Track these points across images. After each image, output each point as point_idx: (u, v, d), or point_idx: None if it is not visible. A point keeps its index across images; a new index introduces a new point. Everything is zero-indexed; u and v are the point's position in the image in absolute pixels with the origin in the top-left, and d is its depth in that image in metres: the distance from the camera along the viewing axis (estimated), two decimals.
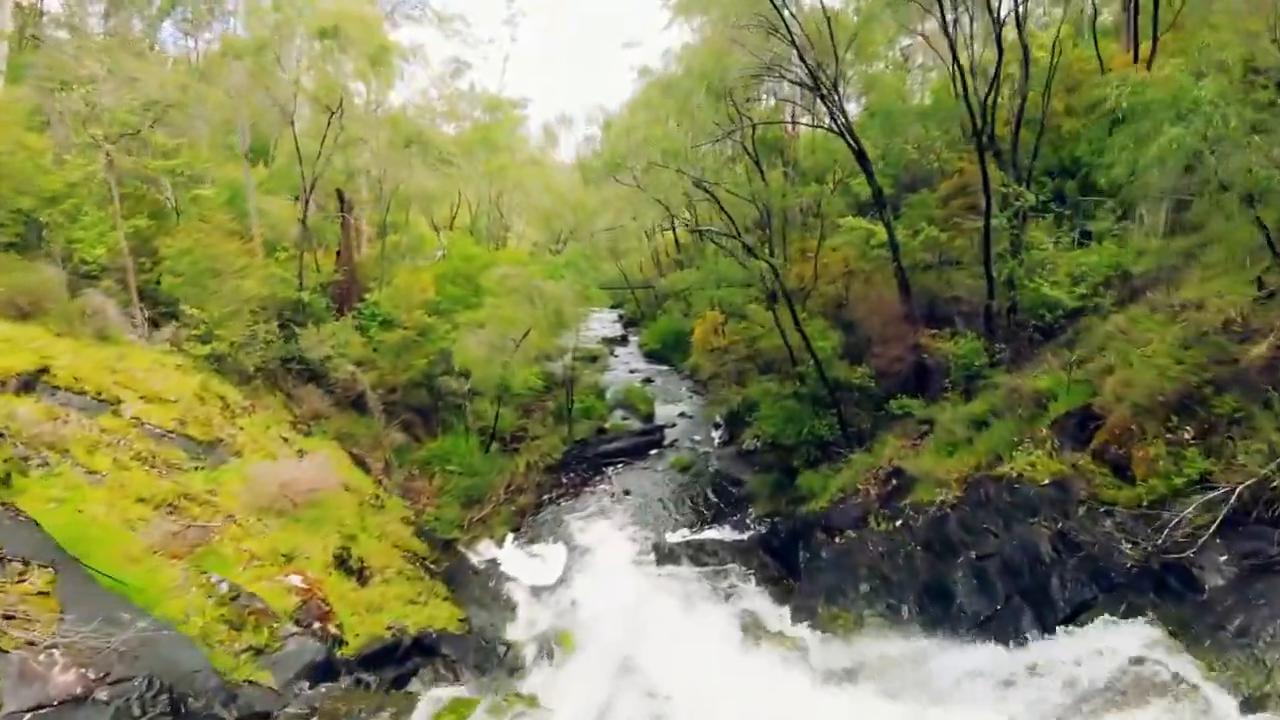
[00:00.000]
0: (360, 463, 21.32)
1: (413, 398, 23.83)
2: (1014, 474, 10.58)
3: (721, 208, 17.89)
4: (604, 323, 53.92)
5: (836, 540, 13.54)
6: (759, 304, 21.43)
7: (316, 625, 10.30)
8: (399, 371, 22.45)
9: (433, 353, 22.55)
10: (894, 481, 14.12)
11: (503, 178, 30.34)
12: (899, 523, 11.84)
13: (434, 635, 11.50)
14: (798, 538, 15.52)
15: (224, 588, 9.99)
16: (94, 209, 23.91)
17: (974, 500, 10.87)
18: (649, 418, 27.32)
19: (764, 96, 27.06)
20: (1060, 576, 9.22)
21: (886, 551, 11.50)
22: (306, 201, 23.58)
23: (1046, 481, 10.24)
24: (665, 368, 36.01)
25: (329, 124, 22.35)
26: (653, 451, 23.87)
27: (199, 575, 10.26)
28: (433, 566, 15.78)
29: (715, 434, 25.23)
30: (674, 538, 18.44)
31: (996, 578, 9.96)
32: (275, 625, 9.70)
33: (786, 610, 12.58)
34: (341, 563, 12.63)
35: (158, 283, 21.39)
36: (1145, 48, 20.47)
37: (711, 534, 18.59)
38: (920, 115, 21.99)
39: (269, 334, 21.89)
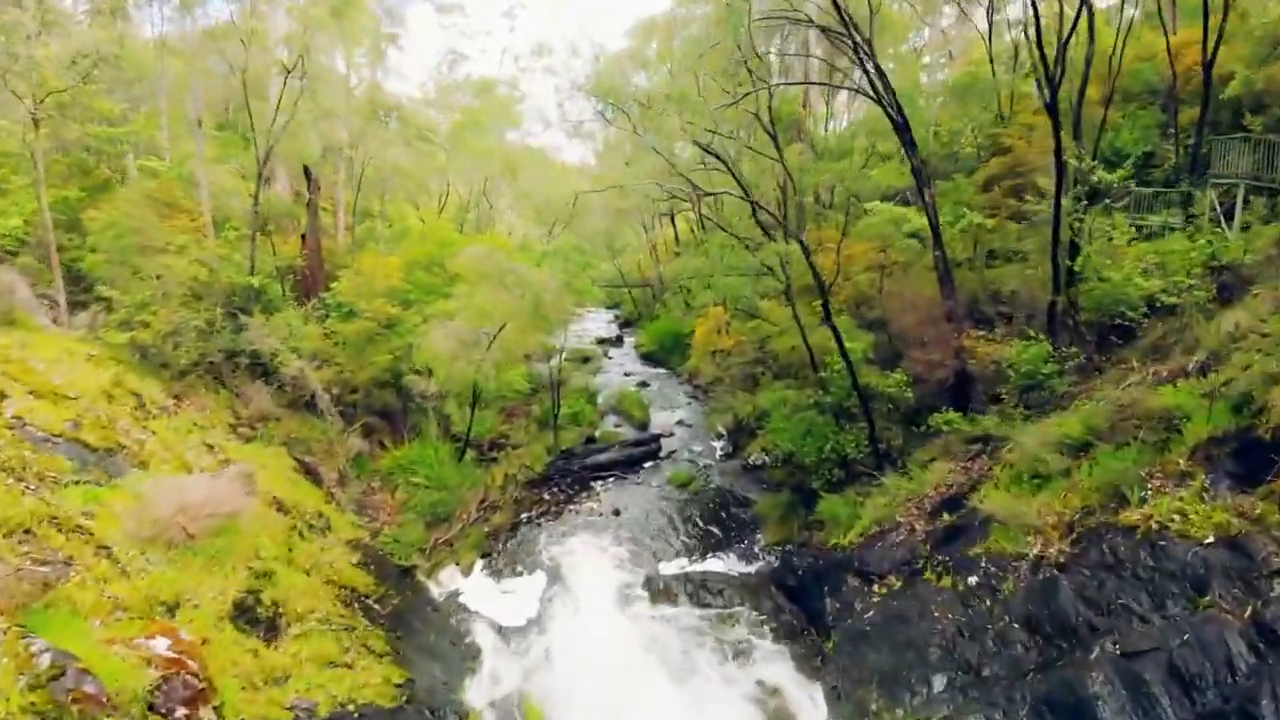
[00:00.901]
0: (311, 473, 18.57)
1: (378, 399, 21.03)
2: (1153, 524, 7.66)
3: (735, 175, 15.10)
4: (599, 323, 51.32)
5: (876, 590, 10.82)
6: (773, 299, 18.73)
7: (181, 713, 7.48)
8: (360, 369, 19.65)
9: (400, 348, 19.77)
10: (946, 516, 11.39)
11: (490, 162, 27.66)
12: (973, 580, 9.02)
13: (354, 716, 8.69)
14: (820, 578, 12.79)
15: (44, 660, 7.12)
16: (24, 177, 21.24)
17: (1094, 560, 7.81)
18: (644, 426, 24.58)
19: (782, 73, 24.42)
20: (1276, 694, 5.92)
21: (965, 624, 8.59)
22: (260, 175, 20.78)
23: (1211, 539, 7.21)
24: (662, 371, 33.34)
25: (284, 84, 19.56)
26: (647, 464, 21.11)
27: (17, 640, 7.40)
28: (376, 606, 12.98)
29: (717, 445, 22.49)
30: (670, 568, 15.69)
31: (1164, 691, 6.61)
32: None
33: (818, 692, 9.76)
34: (244, 612, 9.84)
35: None
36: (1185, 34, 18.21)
37: (714, 565, 15.84)
38: (960, 90, 19.34)
39: (212, 322, 19.16)
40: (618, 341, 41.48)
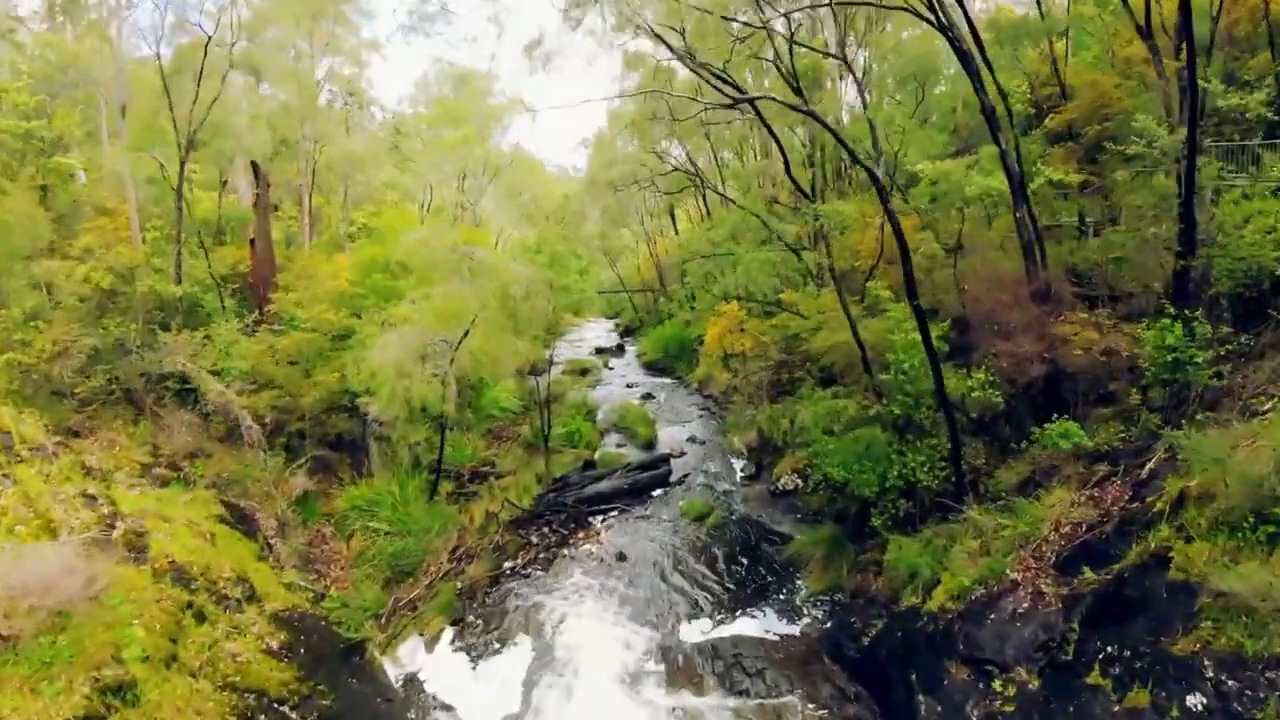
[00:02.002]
0: (245, 521, 15.23)
1: (331, 427, 17.60)
2: None
3: (764, 121, 11.77)
4: (598, 331, 48.06)
5: (1000, 689, 7.37)
6: (801, 290, 15.36)
7: None
8: (305, 391, 16.27)
9: (351, 364, 16.40)
10: (1089, 573, 7.97)
11: (468, 155, 24.58)
12: (1197, 700, 5.49)
13: None
14: (901, 658, 9.34)
15: None
16: None
17: None
18: (650, 445, 21.16)
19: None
20: None
21: None
22: (183, 165, 17.55)
23: None
24: (669, 380, 29.98)
25: (205, 53, 16.39)
26: (656, 492, 17.66)
27: None
28: (294, 716, 9.52)
29: (738, 466, 19.03)
30: (691, 634, 12.23)
31: None
32: None
33: None
34: None
35: None
36: None
37: (747, 626, 12.37)
38: (1014, 30, 16.05)
39: (123, 340, 15.92)
40: (619, 350, 38.19)
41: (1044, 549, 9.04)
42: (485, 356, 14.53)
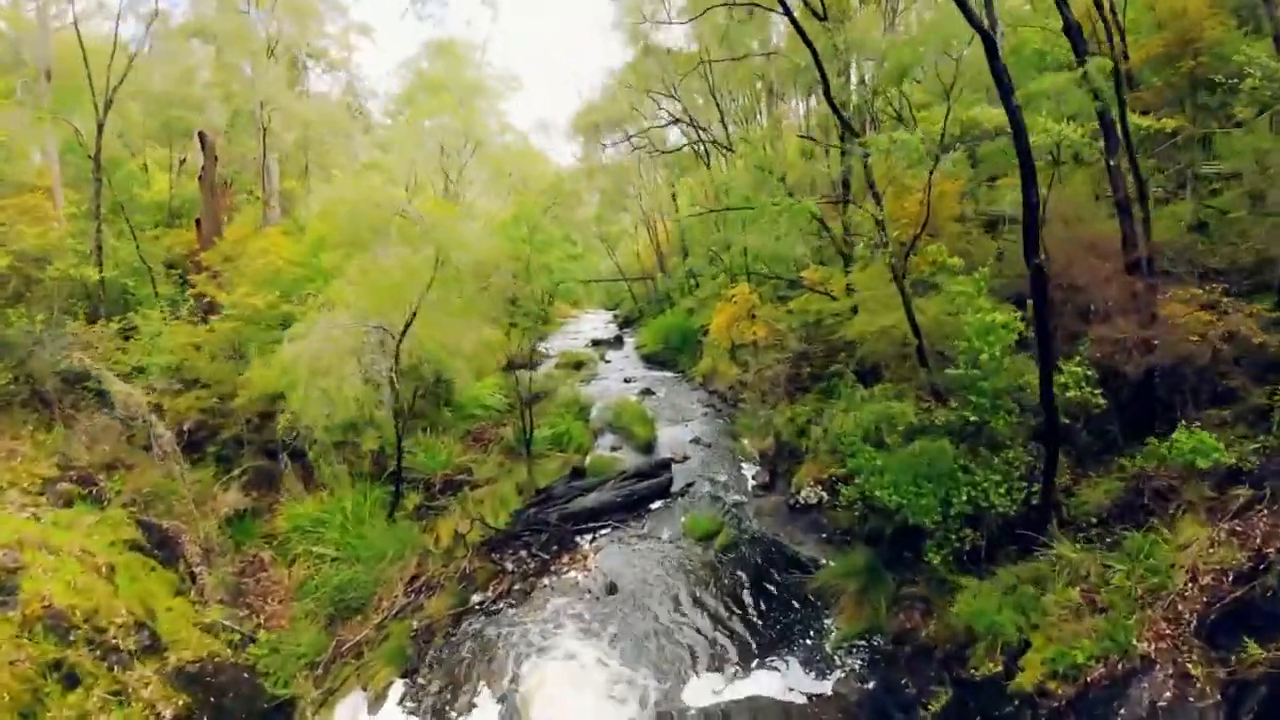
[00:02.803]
0: (166, 545, 12.95)
1: (274, 432, 15.17)
2: None
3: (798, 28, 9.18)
4: (595, 323, 45.56)
5: None
6: (829, 268, 12.85)
7: None
8: (238, 389, 13.82)
9: None
10: (1254, 648, 5.49)
11: (445, 126, 22.06)
12: None
13: None
14: None
15: None
16: None
17: None
18: (649, 447, 18.70)
19: None
20: None
21: None
22: (100, 129, 15.04)
23: None
24: (669, 374, 27.50)
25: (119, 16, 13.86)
26: (655, 505, 15.21)
27: None
28: None
29: (749, 473, 16.55)
30: (698, 693, 9.82)
31: None
32: None
33: None
34: None
35: None
36: None
37: (767, 683, 9.94)
38: None
39: (32, 333, 13.56)
40: (616, 342, 35.68)
41: (1181, 608, 6.57)
42: (437, 347, 12.01)
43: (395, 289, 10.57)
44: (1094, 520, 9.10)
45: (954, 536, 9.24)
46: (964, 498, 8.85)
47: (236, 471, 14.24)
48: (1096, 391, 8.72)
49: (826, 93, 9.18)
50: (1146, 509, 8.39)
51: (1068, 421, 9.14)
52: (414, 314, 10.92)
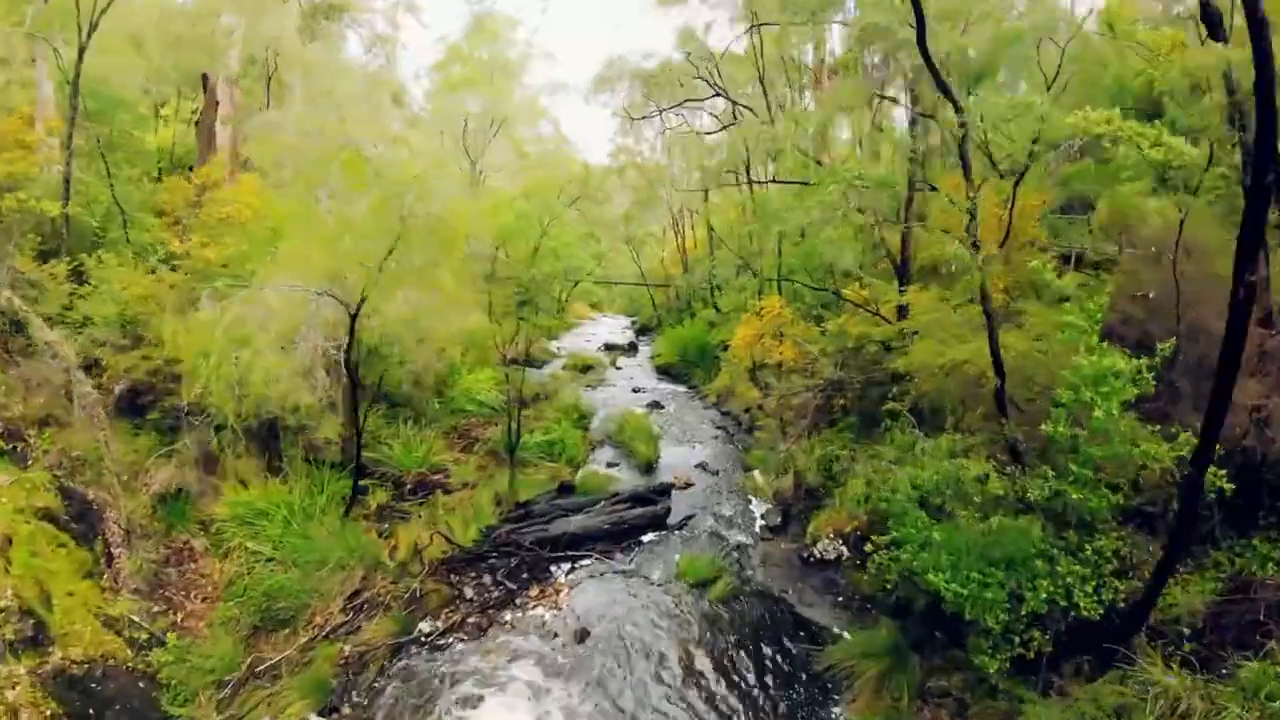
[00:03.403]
0: (85, 518, 11.33)
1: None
2: None
3: None
4: (612, 327, 43.84)
5: None
6: (876, 284, 10.90)
7: None
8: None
9: None
10: None
11: (470, 98, 20.54)
12: None
13: None
14: None
15: None
16: None
17: None
18: (649, 467, 16.81)
19: None
20: None
21: None
22: (81, 53, 13.57)
23: None
24: (682, 388, 25.62)
25: None
26: (648, 536, 13.27)
27: None
28: None
29: (757, 509, 14.56)
30: None
31: None
32: None
33: None
34: None
35: None
36: None
37: None
38: None
39: None
40: (630, 349, 33.89)
41: None
42: (404, 329, 10.22)
43: (339, 248, 8.79)
44: (1187, 632, 7.06)
45: (1018, 639, 7.18)
46: (1043, 595, 6.80)
47: (179, 444, 12.54)
48: (1221, 472, 6.67)
49: (921, 42, 7.28)
50: (1261, 627, 6.33)
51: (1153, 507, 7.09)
52: (373, 284, 9.14)
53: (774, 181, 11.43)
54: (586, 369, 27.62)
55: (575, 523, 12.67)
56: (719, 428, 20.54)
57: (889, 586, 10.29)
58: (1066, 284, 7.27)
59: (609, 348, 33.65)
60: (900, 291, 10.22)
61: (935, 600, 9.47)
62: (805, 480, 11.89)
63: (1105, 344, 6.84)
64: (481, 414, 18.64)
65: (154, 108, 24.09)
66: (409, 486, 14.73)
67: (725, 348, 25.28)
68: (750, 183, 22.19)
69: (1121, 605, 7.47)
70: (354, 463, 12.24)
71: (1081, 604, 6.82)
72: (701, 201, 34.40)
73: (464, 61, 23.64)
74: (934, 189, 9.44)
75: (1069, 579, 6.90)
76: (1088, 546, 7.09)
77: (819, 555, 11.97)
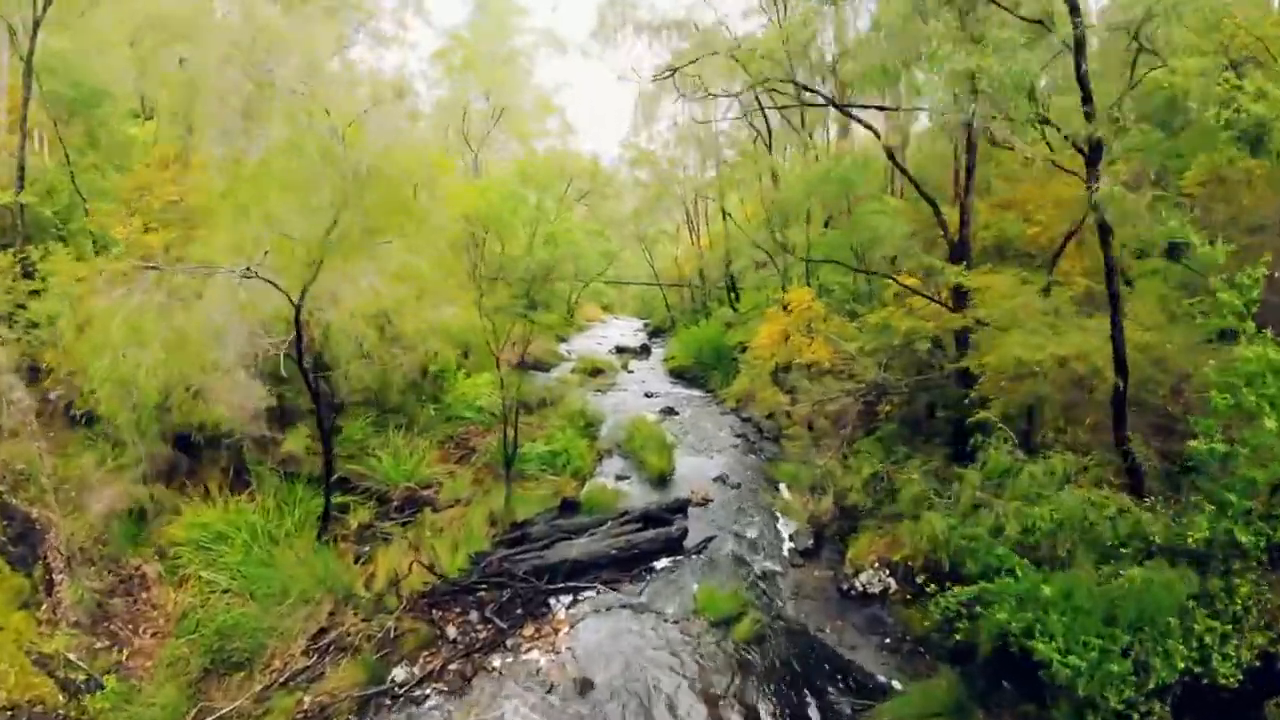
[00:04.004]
0: (28, 540, 10.19)
1: (194, 413, 12.04)
2: None
3: None
4: (624, 329, 42.27)
5: None
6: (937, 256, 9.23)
7: None
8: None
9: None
10: None
11: (469, 83, 19.17)
12: None
13: None
14: None
15: None
16: None
17: None
18: (663, 481, 15.19)
19: None
20: None
21: None
22: (36, 26, 12.27)
23: None
24: (698, 393, 23.97)
25: None
26: (661, 562, 11.63)
27: None
28: None
29: (785, 530, 12.89)
30: None
31: None
32: None
33: None
34: None
35: None
36: None
37: None
38: None
39: None
40: (643, 352, 32.28)
41: None
42: (365, 324, 8.64)
43: (266, 213, 7.26)
44: None
45: (1137, 717, 5.46)
46: (1178, 664, 5.11)
47: (130, 457, 11.12)
48: None
49: None
50: None
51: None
52: (317, 266, 7.58)
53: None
54: (596, 372, 26.07)
55: (578, 547, 11.07)
56: (738, 436, 18.89)
57: (947, 626, 8.69)
58: (1218, 253, 5.60)
59: (620, 350, 32.09)
60: (964, 270, 8.48)
61: (1002, 643, 7.84)
62: (848, 500, 10.20)
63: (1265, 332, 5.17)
64: (481, 421, 17.12)
65: (142, 99, 22.96)
66: (395, 503, 13.24)
67: (743, 349, 23.63)
68: (774, 176, 20.50)
69: (1257, 664, 5.78)
70: (324, 480, 10.71)
71: (1220, 670, 5.12)
72: (717, 196, 32.90)
73: (464, 46, 22.27)
74: (1008, 147, 7.78)
75: (1207, 639, 5.21)
76: (1232, 596, 5.39)
77: (862, 588, 10.29)
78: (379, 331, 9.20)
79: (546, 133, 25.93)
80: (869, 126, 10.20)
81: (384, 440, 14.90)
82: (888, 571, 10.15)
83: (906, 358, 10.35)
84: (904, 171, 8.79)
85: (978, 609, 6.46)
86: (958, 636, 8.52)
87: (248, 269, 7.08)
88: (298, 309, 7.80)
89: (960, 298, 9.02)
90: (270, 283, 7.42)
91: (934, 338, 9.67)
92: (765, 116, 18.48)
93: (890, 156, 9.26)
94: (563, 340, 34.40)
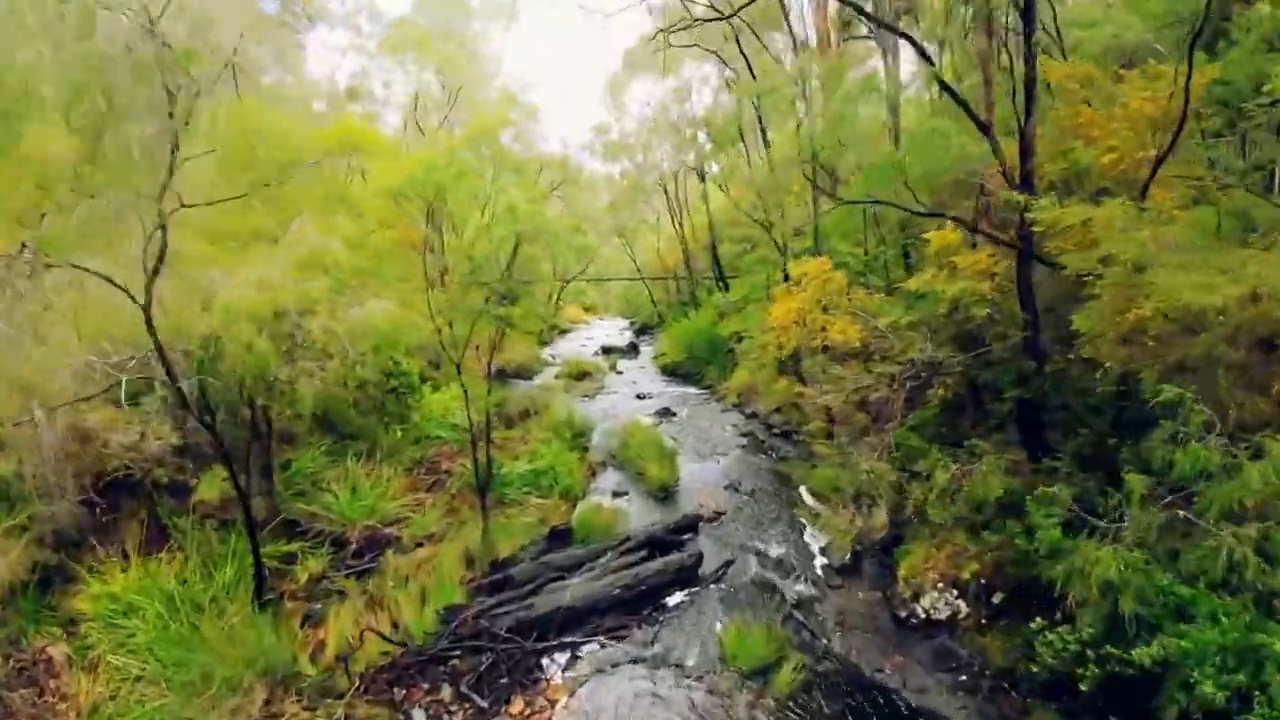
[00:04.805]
0: None
1: (93, 456, 9.93)
2: None
3: None
4: (609, 329, 40.33)
5: None
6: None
7: None
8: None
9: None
10: None
11: (413, 58, 17.13)
12: None
13: None
14: None
15: None
16: None
17: None
18: (666, 493, 13.25)
19: None
20: None
21: None
22: None
23: None
24: (694, 390, 22.16)
25: None
26: (673, 598, 9.67)
27: None
28: None
29: (814, 542, 11.02)
30: None
31: None
32: None
33: None
34: None
35: None
36: None
37: None
38: None
39: None
40: (631, 350, 30.41)
41: None
42: (253, 333, 6.55)
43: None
44: None
45: None
46: None
47: (24, 515, 9.00)
48: None
49: None
50: None
51: None
52: (162, 236, 5.46)
53: None
54: (583, 376, 24.15)
55: (573, 589, 9.08)
56: (744, 434, 17.03)
57: (1028, 649, 6.95)
58: None
59: (607, 351, 30.20)
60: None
61: (1110, 673, 6.12)
62: (905, 511, 8.29)
63: None
64: (455, 440, 15.07)
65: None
66: (354, 546, 11.20)
67: (739, 339, 21.83)
68: (764, 139, 18.57)
69: None
70: (248, 532, 8.64)
71: None
72: (699, 181, 31.04)
73: (410, 28, 20.21)
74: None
75: None
76: None
77: (924, 613, 8.40)
78: (288, 339, 7.15)
79: (511, 120, 23.84)
80: (909, 39, 8.32)
81: (341, 471, 12.86)
82: (955, 592, 8.28)
83: (951, 329, 8.53)
84: (951, 92, 6.93)
85: (1194, 685, 4.60)
86: (1050, 665, 6.76)
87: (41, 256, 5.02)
88: (146, 307, 5.68)
89: (1028, 244, 7.18)
90: (85, 270, 5.31)
91: (992, 301, 7.85)
92: (752, 69, 16.57)
93: (938, 81, 7.44)
94: (546, 344, 32.43)
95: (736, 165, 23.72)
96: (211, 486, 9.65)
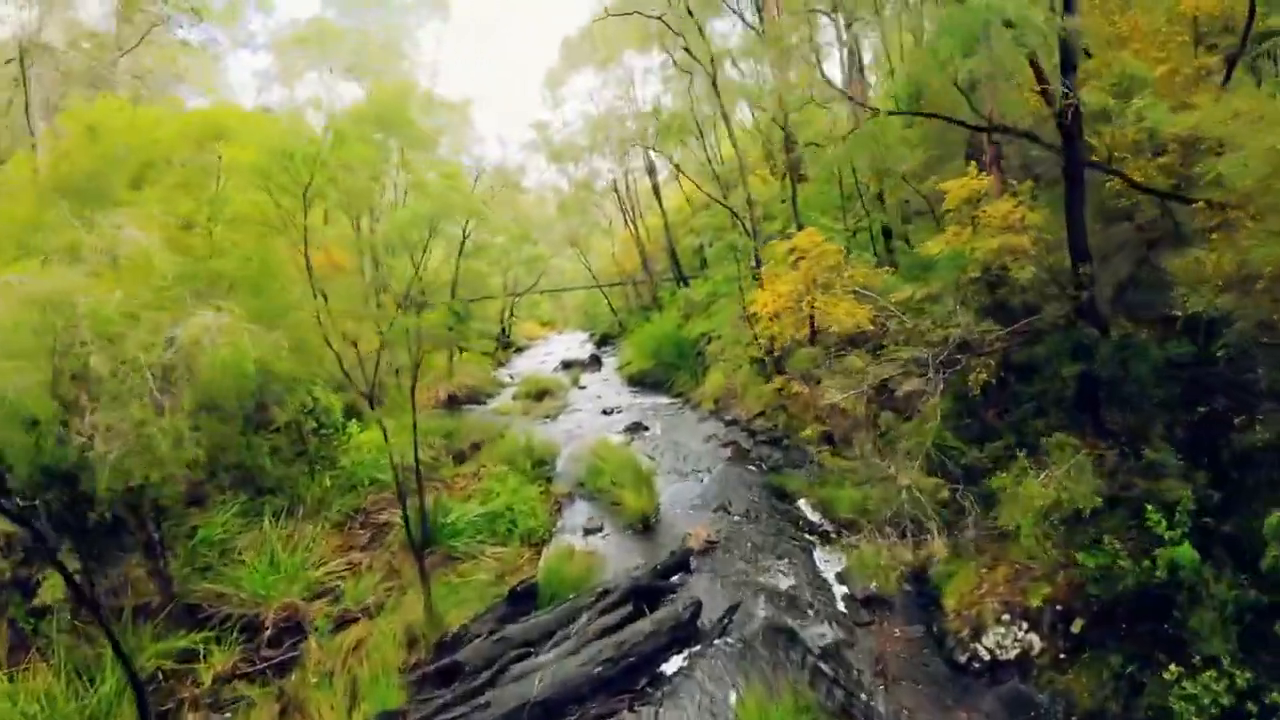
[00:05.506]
0: None
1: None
2: None
3: None
4: (569, 343, 38.27)
5: None
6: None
7: None
8: None
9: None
10: None
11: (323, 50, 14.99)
12: None
13: None
14: None
15: None
16: None
17: None
18: (646, 524, 11.32)
19: None
20: None
21: None
22: None
23: None
24: (665, 399, 20.33)
25: None
26: (671, 665, 7.71)
27: None
28: None
29: (828, 568, 9.26)
30: None
31: None
32: None
33: None
34: None
35: None
36: None
37: None
38: None
39: None
40: (593, 363, 28.42)
41: None
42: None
43: None
44: None
45: None
46: None
47: None
48: None
49: None
50: None
51: None
52: None
53: None
54: (543, 395, 22.05)
55: (543, 675, 7.05)
56: (726, 444, 15.22)
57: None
58: None
59: (568, 365, 28.16)
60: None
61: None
62: (964, 534, 6.53)
63: None
64: (385, 489, 12.84)
65: None
66: (269, 632, 8.99)
67: (709, 340, 20.18)
68: (725, 119, 16.93)
69: None
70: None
71: None
72: (649, 181, 29.41)
73: (320, 26, 18.02)
74: None
75: None
76: None
77: (988, 654, 6.67)
78: (73, 381, 5.03)
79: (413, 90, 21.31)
80: None
81: (257, 536, 10.63)
82: (1025, 625, 6.57)
83: (983, 298, 6.91)
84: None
85: None
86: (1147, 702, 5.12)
87: None
88: None
89: (1076, 159, 5.58)
90: None
91: (1034, 258, 6.26)
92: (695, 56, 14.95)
93: None
94: (501, 365, 30.28)
95: (693, 152, 22.07)
96: (54, 588, 7.37)
